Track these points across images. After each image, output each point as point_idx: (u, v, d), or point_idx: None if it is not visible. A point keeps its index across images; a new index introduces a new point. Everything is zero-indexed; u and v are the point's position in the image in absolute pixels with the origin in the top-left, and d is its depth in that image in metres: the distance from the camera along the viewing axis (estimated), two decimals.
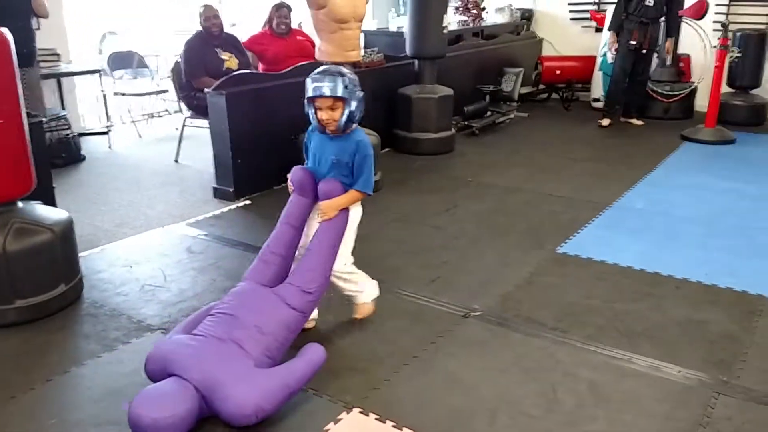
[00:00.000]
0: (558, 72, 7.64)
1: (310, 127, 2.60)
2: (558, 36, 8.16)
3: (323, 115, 2.45)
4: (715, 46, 5.95)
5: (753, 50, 6.55)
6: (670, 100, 6.79)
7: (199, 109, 5.10)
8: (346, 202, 2.54)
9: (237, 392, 2.08)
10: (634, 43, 6.29)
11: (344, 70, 2.48)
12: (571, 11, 7.98)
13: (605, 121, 6.72)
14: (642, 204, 4.35)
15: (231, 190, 4.40)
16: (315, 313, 2.71)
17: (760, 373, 2.46)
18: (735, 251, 3.58)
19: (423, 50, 5.48)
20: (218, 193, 4.48)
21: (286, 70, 4.83)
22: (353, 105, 2.44)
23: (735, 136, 6.00)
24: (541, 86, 7.91)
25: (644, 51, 6.34)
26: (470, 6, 7.40)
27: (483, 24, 7.59)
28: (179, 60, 5.37)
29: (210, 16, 5.28)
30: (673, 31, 6.32)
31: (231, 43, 5.44)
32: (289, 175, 2.62)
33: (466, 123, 6.43)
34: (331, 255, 2.53)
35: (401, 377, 2.45)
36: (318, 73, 2.46)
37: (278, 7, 5.66)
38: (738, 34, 6.60)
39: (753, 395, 2.33)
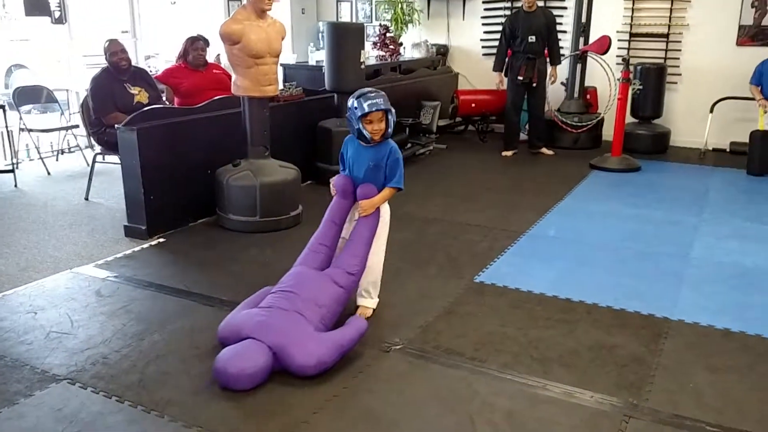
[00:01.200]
0: (473, 105, 7.87)
1: (347, 138, 3.14)
2: (472, 70, 8.44)
3: (375, 126, 2.96)
4: (618, 79, 6.30)
5: (653, 82, 6.99)
6: (579, 130, 7.12)
7: (110, 145, 4.95)
8: (382, 198, 3.09)
9: (303, 348, 2.59)
10: (521, 78, 6.61)
11: (379, 92, 2.99)
12: (483, 47, 8.28)
13: (508, 153, 6.96)
14: (554, 232, 4.51)
15: (143, 228, 4.26)
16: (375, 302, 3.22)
17: (667, 394, 2.57)
18: (641, 276, 3.75)
19: (341, 84, 5.53)
20: (130, 232, 4.33)
21: (203, 103, 4.76)
22: (392, 119, 2.99)
23: (640, 164, 6.34)
24: (458, 119, 8.13)
25: (534, 84, 6.66)
26: (387, 41, 7.55)
27: (401, 59, 7.75)
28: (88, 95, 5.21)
29: (116, 51, 5.15)
30: (555, 60, 6.70)
31: (141, 77, 5.33)
32: (331, 181, 3.19)
33: None
34: (368, 245, 3.07)
35: (320, 418, 2.40)
36: (364, 94, 2.96)
37: (193, 40, 5.60)
38: (639, 67, 7.03)
39: (660, 417, 2.43)
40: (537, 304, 3.37)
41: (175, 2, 8.66)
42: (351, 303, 3.18)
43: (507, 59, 6.78)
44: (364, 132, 2.95)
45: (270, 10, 4.23)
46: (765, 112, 6.12)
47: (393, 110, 2.98)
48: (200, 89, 5.48)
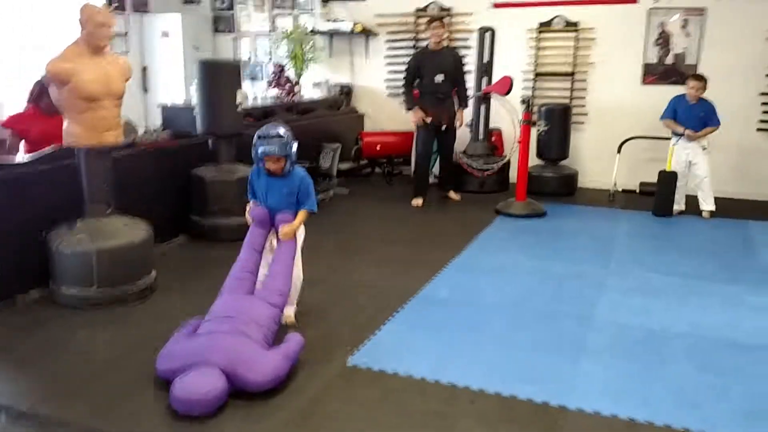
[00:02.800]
0: (378, 147, 7.42)
1: (253, 172, 3.44)
2: (378, 111, 8.02)
3: (273, 166, 3.31)
4: (520, 121, 5.97)
5: (558, 123, 6.72)
6: (485, 173, 6.75)
7: None
8: (299, 222, 3.41)
9: (258, 366, 2.69)
10: (431, 120, 6.18)
11: (281, 129, 3.28)
12: (387, 87, 7.88)
13: (418, 201, 6.40)
14: (446, 292, 4.01)
15: None
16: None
17: None
18: (537, 345, 3.28)
19: (215, 127, 4.95)
20: None
21: (39, 154, 4.06)
22: (292, 156, 3.29)
23: (545, 208, 5.99)
24: (364, 161, 7.66)
25: (444, 127, 6.25)
26: (282, 81, 7.03)
27: (298, 99, 7.24)
28: None
29: None
30: (462, 102, 6.30)
31: None
32: (248, 212, 3.46)
33: None
34: (291, 265, 3.37)
35: None
36: (264, 135, 3.25)
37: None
38: (543, 108, 6.76)
39: None
40: (415, 393, 2.82)
41: (167, 35, 7.91)
42: None
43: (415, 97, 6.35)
44: (265, 168, 3.34)
45: (107, 45, 3.61)
46: (689, 138, 5.85)
47: (292, 149, 3.27)
48: (53, 136, 4.75)
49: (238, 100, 4.92)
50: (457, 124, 6.33)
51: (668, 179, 5.91)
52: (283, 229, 3.36)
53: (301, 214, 3.42)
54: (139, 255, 3.82)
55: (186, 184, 5.01)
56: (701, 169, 5.86)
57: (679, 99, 5.94)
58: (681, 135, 5.89)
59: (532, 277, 4.27)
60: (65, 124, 3.64)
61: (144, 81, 8.19)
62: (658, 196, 5.96)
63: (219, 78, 4.86)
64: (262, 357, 2.75)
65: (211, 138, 5.01)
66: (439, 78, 6.16)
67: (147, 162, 4.74)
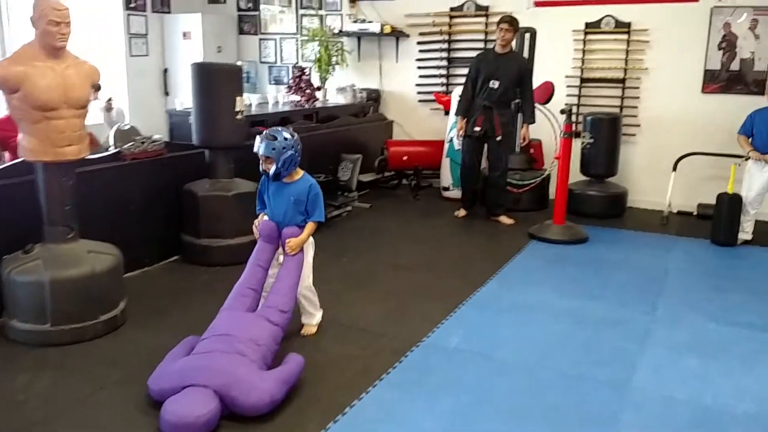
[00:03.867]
0: (405, 158, 6.83)
1: (263, 178, 3.30)
2: (407, 118, 7.44)
3: (264, 165, 3.21)
4: (562, 134, 5.29)
5: (606, 135, 6.00)
6: (521, 189, 6.08)
7: None
8: (307, 235, 3.27)
9: (254, 388, 2.56)
10: (478, 129, 5.57)
11: (282, 133, 3.18)
12: (419, 92, 7.29)
13: (461, 213, 5.93)
14: (457, 340, 3.39)
15: None
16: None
17: None
18: (557, 422, 2.63)
19: (212, 139, 4.45)
20: None
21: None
22: (280, 161, 3.15)
23: (587, 233, 5.28)
24: (390, 173, 7.09)
25: (496, 138, 5.59)
26: (303, 85, 6.52)
27: (319, 105, 6.73)
28: None
29: None
30: (527, 117, 5.59)
31: None
32: (256, 227, 3.32)
33: None
34: (296, 282, 3.21)
35: None
36: (261, 134, 3.18)
37: None
38: (589, 118, 6.05)
39: None
40: None
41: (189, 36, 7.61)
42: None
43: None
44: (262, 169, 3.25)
45: (64, 46, 3.13)
46: (755, 161, 5.06)
47: (284, 155, 3.14)
48: None
49: (238, 107, 4.41)
50: (522, 142, 5.65)
51: (729, 202, 5.11)
52: (290, 243, 3.22)
53: (309, 227, 3.29)
54: (104, 285, 3.34)
55: (180, 201, 4.54)
56: None
57: (759, 111, 5.11)
58: (748, 157, 5.11)
59: (562, 323, 3.61)
60: (19, 136, 3.18)
61: (165, 84, 7.83)
62: (715, 221, 5.19)
63: (216, 83, 4.36)
64: (258, 380, 2.62)
65: (208, 150, 4.52)
66: (494, 84, 5.49)
67: (134, 176, 4.29)
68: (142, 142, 4.36)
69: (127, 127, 5.25)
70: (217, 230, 4.44)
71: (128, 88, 7.43)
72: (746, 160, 5.16)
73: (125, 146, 4.31)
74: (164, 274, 4.35)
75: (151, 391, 2.68)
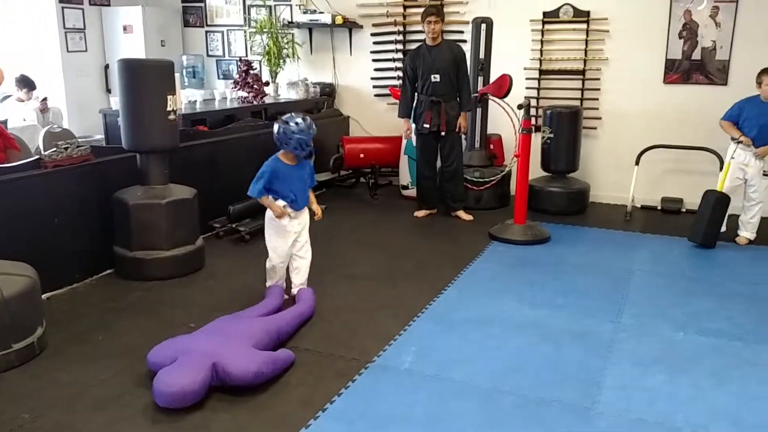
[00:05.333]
0: (361, 155, 6.53)
1: (274, 161, 3.63)
2: (364, 114, 7.14)
3: (301, 152, 3.61)
4: (520, 130, 5.04)
5: (566, 130, 5.78)
6: (482, 187, 5.84)
7: None
8: (314, 198, 3.82)
9: (243, 358, 2.75)
10: (427, 126, 5.34)
11: (292, 119, 3.53)
12: (375, 86, 6.98)
13: (420, 212, 5.68)
14: (410, 359, 3.11)
15: None
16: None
17: None
18: None
19: (142, 142, 4.09)
20: None
21: None
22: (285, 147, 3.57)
23: (549, 232, 5.06)
24: (347, 171, 6.78)
25: (443, 133, 5.37)
26: (250, 80, 6.16)
27: (269, 101, 6.37)
28: None
29: None
30: (464, 105, 5.38)
31: None
32: (281, 207, 3.60)
33: (233, 226, 5.07)
34: (298, 319, 3.46)
35: None
36: (300, 124, 3.53)
37: None
38: (548, 112, 5.82)
39: None
40: None
41: (164, 44, 7.13)
42: None
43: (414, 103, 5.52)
44: (300, 153, 3.60)
45: None
46: (747, 146, 4.80)
47: (288, 142, 3.54)
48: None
49: (170, 107, 4.05)
50: (462, 133, 5.43)
51: (715, 202, 4.74)
52: (317, 212, 3.80)
53: (312, 194, 3.77)
54: (16, 311, 2.97)
55: (109, 210, 4.16)
56: (757, 192, 4.86)
57: (749, 100, 4.86)
58: (738, 141, 4.85)
59: (523, 336, 3.35)
60: None
61: (107, 81, 7.38)
62: (698, 220, 4.82)
63: (145, 81, 3.99)
64: (247, 352, 2.80)
65: (139, 154, 4.15)
66: (436, 77, 5.28)
67: (58, 185, 3.91)
68: (66, 148, 3.97)
69: (58, 130, 4.82)
70: (150, 241, 4.09)
71: (65, 87, 6.97)
72: (737, 147, 4.90)
73: (46, 153, 3.92)
74: (93, 292, 3.99)
75: (149, 363, 2.85)
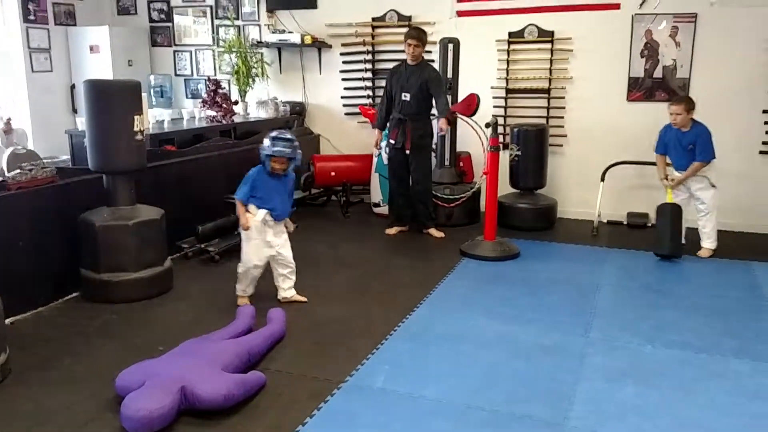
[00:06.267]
0: (332, 173, 6.54)
1: (257, 171, 3.86)
2: (335, 132, 7.16)
3: (277, 166, 3.81)
4: (488, 148, 5.11)
5: (533, 147, 5.88)
6: (452, 204, 5.89)
7: None
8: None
9: (212, 382, 2.71)
10: (392, 142, 5.44)
11: (291, 135, 3.85)
12: (345, 105, 7.01)
13: (391, 230, 5.72)
14: (383, 378, 3.11)
15: None
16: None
17: None
18: None
19: (108, 163, 4.04)
20: None
21: None
22: (297, 160, 3.87)
23: (519, 248, 5.12)
24: (319, 189, 6.78)
25: (407, 152, 5.43)
26: (219, 99, 6.14)
27: (238, 120, 6.36)
28: None
29: None
30: (440, 113, 5.39)
31: None
32: (243, 215, 3.86)
33: (202, 246, 5.02)
34: (269, 340, 3.40)
35: None
36: (277, 137, 3.77)
37: None
38: (515, 130, 5.91)
39: None
40: None
41: (131, 64, 6.96)
42: None
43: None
44: (269, 167, 3.80)
45: None
46: (670, 189, 5.01)
47: (298, 155, 3.83)
48: None
49: (137, 127, 4.02)
50: (440, 132, 5.45)
51: (670, 214, 4.89)
52: (289, 226, 4.06)
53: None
54: None
55: (76, 232, 4.09)
56: (705, 202, 4.99)
57: (668, 128, 5.05)
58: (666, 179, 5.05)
59: (494, 352, 3.38)
60: None
61: (73, 101, 7.28)
62: (660, 234, 4.94)
63: (111, 102, 3.95)
64: (218, 376, 2.78)
65: (106, 175, 4.10)
66: (405, 96, 5.38)
67: (22, 207, 3.83)
68: (30, 169, 3.91)
69: (23, 151, 4.74)
70: (118, 263, 4.03)
71: (30, 107, 6.87)
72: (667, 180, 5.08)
73: (9, 174, 3.85)
74: (59, 316, 3.90)
75: (117, 388, 2.81)
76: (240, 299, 4.02)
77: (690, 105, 4.85)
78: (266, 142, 3.76)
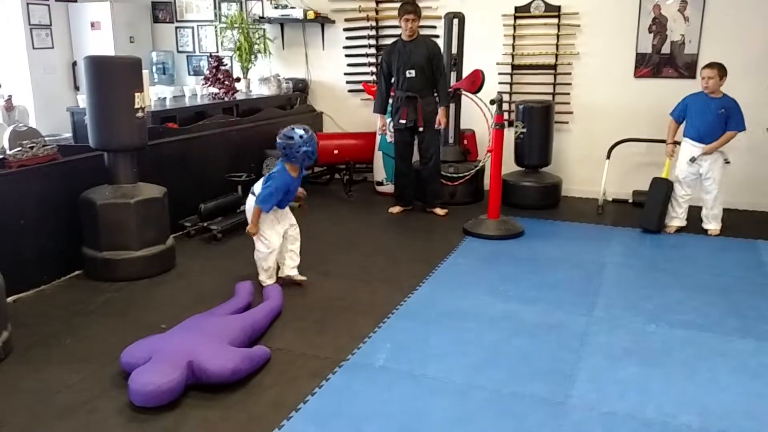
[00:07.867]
0: (336, 152, 6.49)
1: (283, 176, 3.81)
2: (338, 109, 7.10)
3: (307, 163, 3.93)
4: (492, 125, 5.05)
5: (539, 124, 5.81)
6: (456, 182, 5.84)
7: None
8: None
9: (219, 357, 2.73)
10: (404, 122, 5.34)
11: (295, 133, 3.74)
12: (348, 82, 6.94)
13: (395, 209, 5.68)
14: (384, 356, 3.10)
15: None
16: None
17: None
18: None
19: (109, 140, 4.01)
20: None
21: None
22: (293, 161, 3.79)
23: (522, 227, 5.09)
24: (322, 167, 6.74)
25: (420, 129, 5.37)
26: (221, 76, 6.08)
27: (240, 97, 6.31)
28: None
29: None
30: (442, 100, 5.37)
31: None
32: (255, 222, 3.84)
33: (204, 225, 5.00)
34: (269, 316, 3.43)
35: None
36: (304, 137, 3.76)
37: None
38: (521, 107, 5.84)
39: None
40: None
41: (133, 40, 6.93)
42: None
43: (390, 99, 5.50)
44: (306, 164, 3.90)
45: None
46: (670, 157, 5.01)
47: (293, 154, 3.75)
48: None
49: (138, 104, 3.98)
50: (439, 127, 5.42)
51: (661, 189, 5.02)
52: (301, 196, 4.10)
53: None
54: None
55: (78, 210, 4.08)
56: (713, 184, 4.94)
57: (694, 96, 4.96)
58: (673, 143, 5.04)
59: (496, 331, 3.37)
60: None
61: (74, 78, 7.23)
62: (648, 206, 5.09)
63: (112, 79, 3.91)
64: (225, 350, 2.79)
65: (107, 153, 4.08)
66: (411, 73, 5.27)
67: (23, 185, 3.82)
68: (31, 147, 3.89)
69: (24, 129, 4.71)
70: (119, 242, 4.02)
71: (32, 84, 6.82)
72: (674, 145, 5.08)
73: (10, 152, 3.83)
74: (61, 293, 3.91)
75: (122, 364, 2.82)
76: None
77: (723, 71, 4.78)
78: (297, 139, 3.70)
